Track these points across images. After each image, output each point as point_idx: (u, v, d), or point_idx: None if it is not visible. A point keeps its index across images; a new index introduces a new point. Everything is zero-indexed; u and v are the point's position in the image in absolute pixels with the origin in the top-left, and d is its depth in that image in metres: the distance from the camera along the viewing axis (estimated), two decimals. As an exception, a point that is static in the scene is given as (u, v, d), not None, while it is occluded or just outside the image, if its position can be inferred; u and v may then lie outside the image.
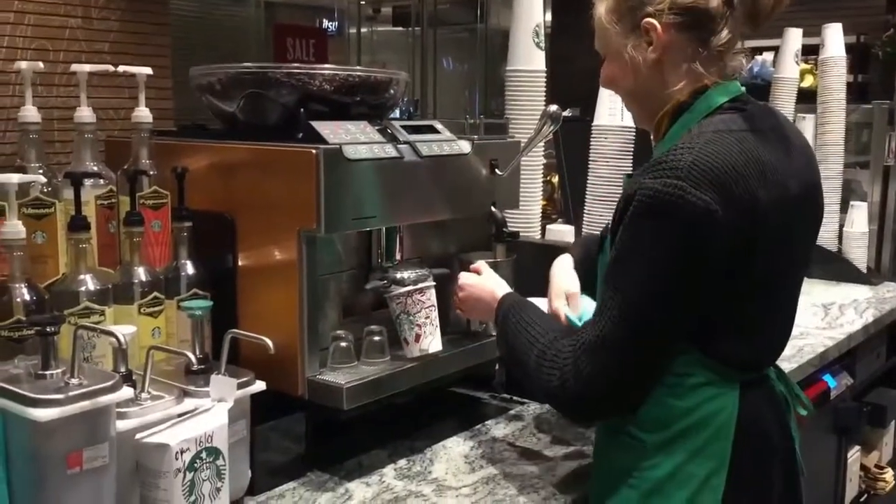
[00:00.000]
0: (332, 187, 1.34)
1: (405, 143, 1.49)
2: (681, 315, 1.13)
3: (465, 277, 1.49)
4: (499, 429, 1.64)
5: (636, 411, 1.19)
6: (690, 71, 1.20)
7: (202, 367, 1.28)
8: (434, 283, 1.51)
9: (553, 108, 1.58)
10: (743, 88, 1.23)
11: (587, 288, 1.56)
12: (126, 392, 1.08)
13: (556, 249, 1.91)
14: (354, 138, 1.41)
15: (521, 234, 1.70)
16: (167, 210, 1.44)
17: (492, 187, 1.66)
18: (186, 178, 1.42)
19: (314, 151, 1.33)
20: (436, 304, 1.51)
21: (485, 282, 1.46)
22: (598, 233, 1.90)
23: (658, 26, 1.19)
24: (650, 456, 1.18)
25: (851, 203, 3.07)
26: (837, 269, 3.00)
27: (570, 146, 2.26)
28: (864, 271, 3.03)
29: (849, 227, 3.06)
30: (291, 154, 1.36)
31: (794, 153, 1.21)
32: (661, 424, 1.17)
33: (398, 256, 1.55)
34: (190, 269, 1.42)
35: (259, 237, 1.42)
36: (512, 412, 1.73)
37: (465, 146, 1.60)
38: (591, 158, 1.91)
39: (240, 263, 1.45)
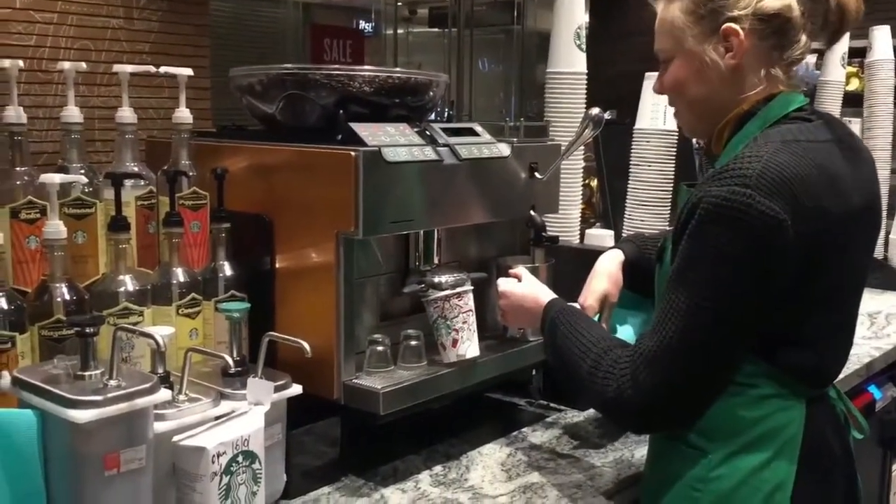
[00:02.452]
0: (371, 190, 1.33)
1: (444, 145, 1.47)
2: (745, 325, 1.11)
3: (505, 284, 1.46)
4: (536, 436, 1.62)
5: (697, 421, 1.16)
6: (764, 79, 1.18)
7: (239, 369, 1.28)
8: (472, 288, 1.49)
9: (595, 110, 1.55)
10: (807, 99, 1.20)
11: (636, 288, 1.53)
12: (164, 394, 1.08)
13: (595, 254, 1.89)
14: (394, 140, 1.40)
15: (559, 238, 1.68)
16: (206, 211, 1.43)
17: (531, 191, 1.64)
18: (226, 179, 1.42)
19: (353, 154, 1.32)
20: (473, 309, 1.49)
21: (527, 288, 1.44)
22: (651, 231, 1.88)
23: (741, 32, 1.16)
24: (714, 467, 1.15)
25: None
26: (883, 277, 2.93)
27: (609, 150, 2.23)
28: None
29: (895, 235, 2.99)
30: (330, 156, 1.35)
31: (860, 164, 1.18)
32: (727, 434, 1.14)
33: (436, 260, 1.53)
34: (228, 270, 1.41)
35: (297, 239, 1.41)
36: (549, 419, 1.71)
37: (504, 149, 1.58)
38: (632, 162, 1.88)
39: (277, 265, 1.44)
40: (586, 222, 2.43)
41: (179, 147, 1.46)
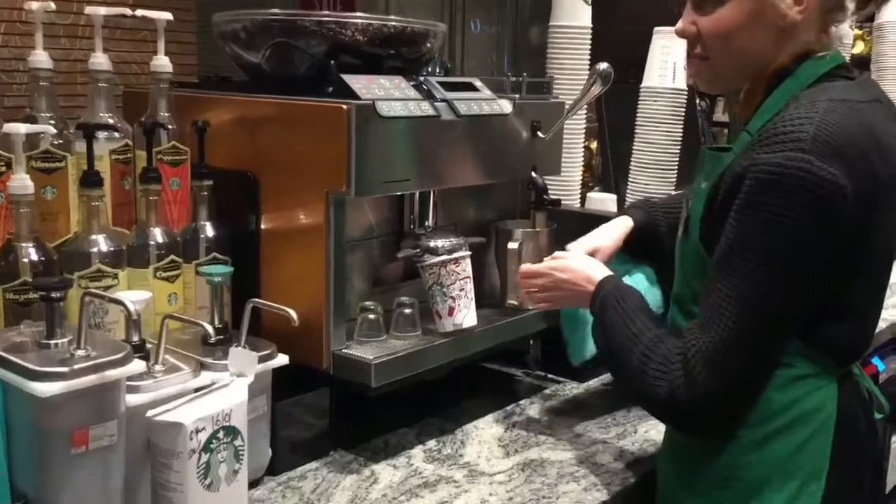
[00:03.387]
0: (364, 146, 1.24)
1: (442, 100, 1.38)
2: (804, 303, 1.02)
3: (550, 261, 1.37)
4: (533, 409, 1.55)
5: None
6: (812, 41, 1.08)
7: (220, 337, 1.19)
8: (470, 253, 1.41)
9: (603, 65, 1.46)
10: (844, 57, 1.11)
11: (641, 255, 1.45)
12: (137, 365, 0.99)
13: (597, 219, 1.80)
14: (388, 94, 1.30)
15: (561, 201, 1.59)
16: (186, 167, 1.34)
17: (533, 151, 1.55)
18: (207, 133, 1.32)
19: (345, 107, 1.22)
20: (471, 276, 1.40)
21: (577, 264, 1.34)
22: (659, 197, 1.79)
23: None
24: (744, 453, 1.07)
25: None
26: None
27: (611, 110, 2.14)
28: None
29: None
30: (321, 109, 1.25)
31: None
32: (758, 419, 1.06)
33: (431, 223, 1.44)
34: (210, 231, 1.32)
35: (284, 199, 1.32)
36: (547, 391, 1.64)
37: (506, 106, 1.48)
38: (638, 123, 1.79)
39: (263, 226, 1.35)
40: (585, 186, 2.34)
41: (158, 98, 1.36)
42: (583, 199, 1.89)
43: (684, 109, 1.78)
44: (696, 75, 1.19)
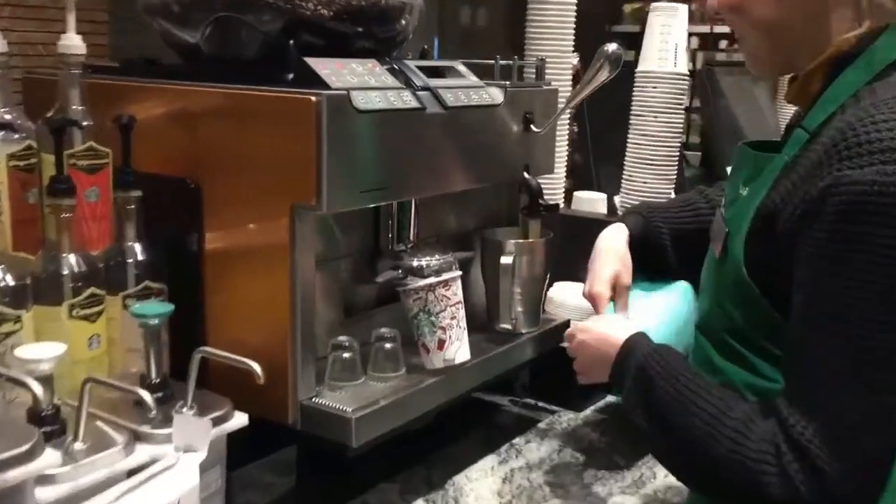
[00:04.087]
0: (338, 147, 0.98)
1: (424, 88, 1.13)
2: None
3: (579, 325, 1.15)
4: (531, 449, 1.32)
5: None
6: (864, 10, 0.87)
7: (160, 395, 0.93)
8: (460, 273, 1.17)
9: (612, 47, 1.23)
10: None
11: (643, 269, 1.24)
12: (49, 458, 0.73)
13: (585, 222, 1.59)
14: (363, 81, 1.05)
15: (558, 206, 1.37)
16: (107, 174, 1.06)
17: (525, 148, 1.32)
18: (134, 131, 1.05)
19: (314, 99, 0.97)
20: (462, 301, 1.17)
21: (594, 322, 1.13)
22: (658, 199, 1.57)
23: None
24: None
25: None
26: None
27: (592, 97, 1.91)
28: None
29: None
30: (281, 101, 1.00)
31: None
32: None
33: (412, 237, 1.20)
34: (139, 253, 1.05)
35: (234, 212, 1.06)
36: (542, 424, 1.41)
37: (496, 95, 1.24)
38: (633, 112, 1.58)
39: (207, 247, 1.09)
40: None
41: (68, 86, 1.07)
42: (569, 200, 1.67)
43: (686, 97, 1.57)
44: (744, 58, 0.98)
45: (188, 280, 1.09)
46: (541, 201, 1.31)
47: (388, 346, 1.13)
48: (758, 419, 0.85)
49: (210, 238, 1.08)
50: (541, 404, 1.48)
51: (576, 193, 1.63)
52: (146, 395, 0.83)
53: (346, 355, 1.10)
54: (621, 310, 1.20)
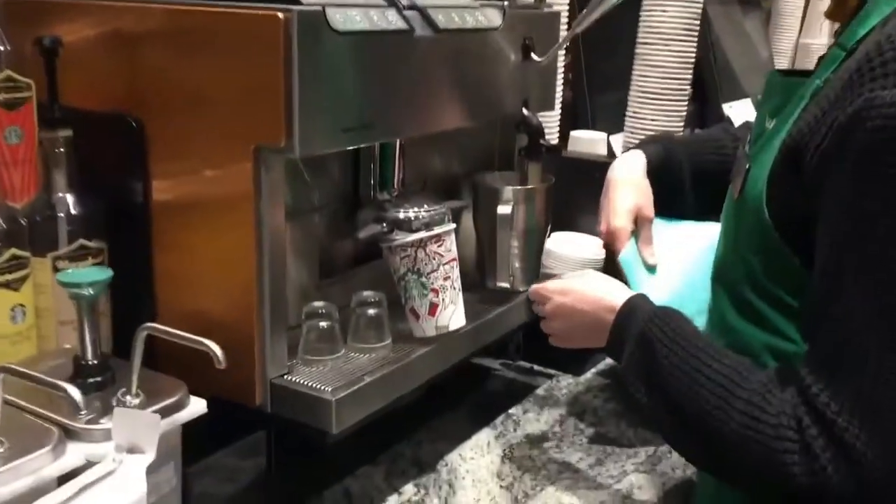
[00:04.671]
0: (312, 76, 0.81)
1: (411, 7, 0.95)
2: None
3: (551, 284, 0.98)
4: (530, 420, 1.18)
5: None
6: None
7: (98, 379, 0.77)
8: (454, 226, 1.01)
9: (627, -38, 1.06)
10: None
11: (662, 207, 1.09)
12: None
13: (586, 166, 1.43)
14: (339, -3, 0.87)
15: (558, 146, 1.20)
16: (30, 110, 0.88)
17: (524, 79, 1.14)
18: (61, 57, 0.86)
19: (282, 16, 0.79)
20: (457, 258, 1.01)
21: (583, 283, 0.94)
22: (677, 131, 1.39)
23: None
24: None
25: None
26: None
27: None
28: None
29: None
30: (242, 19, 0.81)
31: None
32: None
33: (397, 185, 1.03)
34: (72, 206, 0.88)
35: (187, 157, 0.88)
36: (540, 391, 1.27)
37: (494, 17, 1.07)
38: (640, 39, 1.40)
39: (155, 198, 0.91)
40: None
41: (-23, 1, 0.88)
42: (564, 139, 1.50)
43: (700, 22, 1.41)
44: None
45: (132, 238, 0.91)
46: (542, 141, 1.15)
47: (371, 312, 0.97)
48: (775, 389, 0.72)
49: (158, 187, 0.90)
50: (536, 368, 1.34)
51: (573, 133, 1.47)
52: (73, 392, 0.67)
53: (322, 324, 0.93)
54: (644, 245, 1.05)
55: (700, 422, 0.75)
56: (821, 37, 2.68)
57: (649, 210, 1.06)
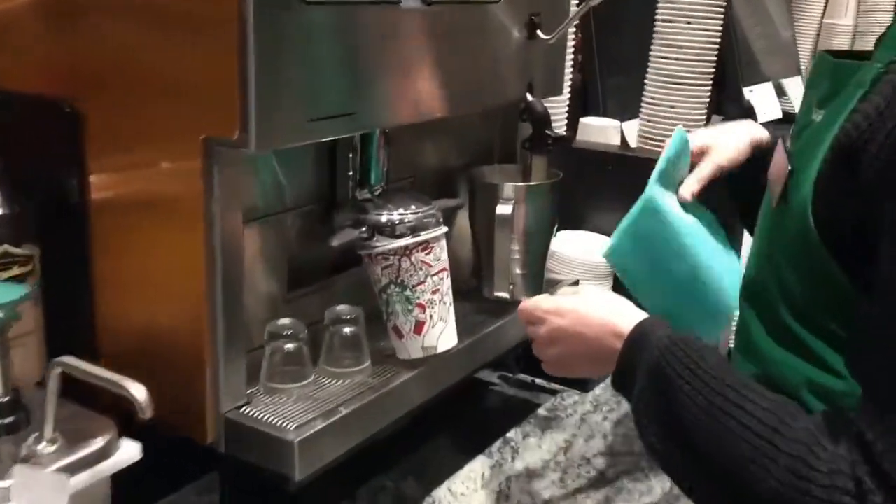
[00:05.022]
0: (273, 57, 0.67)
1: (397, -25, 0.81)
2: None
3: (545, 302, 0.81)
4: (531, 446, 1.05)
5: None
6: None
7: (9, 420, 0.64)
8: (446, 230, 0.87)
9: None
10: None
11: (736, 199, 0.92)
12: None
13: (597, 158, 1.29)
14: (309, -40, 0.73)
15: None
16: (-58, 92, 0.75)
17: (528, 61, 1.00)
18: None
19: (234, -19, 0.65)
20: (448, 267, 0.87)
21: (587, 304, 0.78)
22: (699, 118, 1.23)
23: None
24: None
25: None
26: None
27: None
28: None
29: None
30: (187, -14, 0.68)
31: None
32: None
33: (381, 181, 0.90)
34: (-5, 206, 0.75)
35: (130, 150, 0.75)
36: (542, 411, 1.14)
37: (494, -13, 0.93)
38: (660, 17, 1.25)
39: (94, 197, 0.78)
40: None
41: None
42: (574, 127, 1.36)
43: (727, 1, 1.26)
44: None
45: (68, 243, 0.78)
46: (548, 132, 1.01)
47: (347, 330, 0.83)
48: (825, 440, 0.59)
49: (97, 184, 0.77)
50: (538, 382, 1.21)
51: (583, 120, 1.33)
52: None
53: (288, 346, 0.80)
54: (693, 180, 0.87)
55: (730, 476, 0.62)
56: (846, 17, 2.53)
57: (713, 169, 0.87)
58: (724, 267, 0.85)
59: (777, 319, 0.68)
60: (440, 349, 0.86)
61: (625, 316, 0.75)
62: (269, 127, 0.68)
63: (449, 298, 0.87)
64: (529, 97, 1.01)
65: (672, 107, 1.23)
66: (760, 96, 2.02)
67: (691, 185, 0.87)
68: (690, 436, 0.64)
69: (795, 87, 2.24)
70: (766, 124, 0.98)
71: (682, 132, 0.84)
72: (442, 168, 1.05)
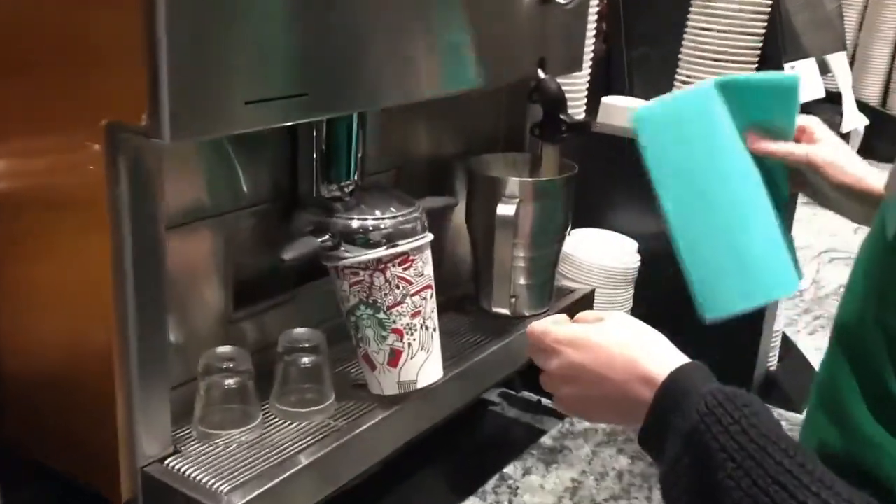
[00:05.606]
0: (192, 19, 0.51)
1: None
2: None
3: (559, 330, 0.63)
4: (532, 486, 0.89)
5: None
6: None
7: None
8: (431, 238, 0.71)
9: None
10: None
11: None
12: None
13: (620, 144, 1.11)
14: None
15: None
16: None
17: (542, 30, 0.83)
18: None
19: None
20: (433, 285, 0.71)
21: (612, 336, 0.61)
22: None
23: None
24: None
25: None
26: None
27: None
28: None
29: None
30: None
31: None
32: None
33: (355, 175, 0.73)
34: None
35: (21, 135, 0.59)
36: (547, 439, 0.98)
37: (499, -61, 0.75)
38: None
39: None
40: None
41: None
42: (595, 108, 1.19)
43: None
44: None
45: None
46: (562, 116, 0.84)
47: (306, 360, 0.68)
48: None
49: (-15, 177, 0.61)
50: (545, 402, 1.05)
51: (604, 100, 1.16)
52: None
53: (228, 382, 0.64)
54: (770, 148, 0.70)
55: None
56: (897, -12, 2.32)
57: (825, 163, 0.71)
58: (763, 218, 0.68)
59: (879, 384, 0.51)
60: (420, 384, 0.70)
61: (655, 357, 0.58)
62: (189, 112, 0.52)
63: (433, 322, 0.71)
64: (541, 73, 0.83)
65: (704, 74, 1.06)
66: (803, 73, 1.83)
67: (768, 146, 0.71)
68: None
69: (840, 64, 2.05)
70: (807, 104, 0.81)
71: (797, 76, 0.68)
72: (434, 157, 0.89)
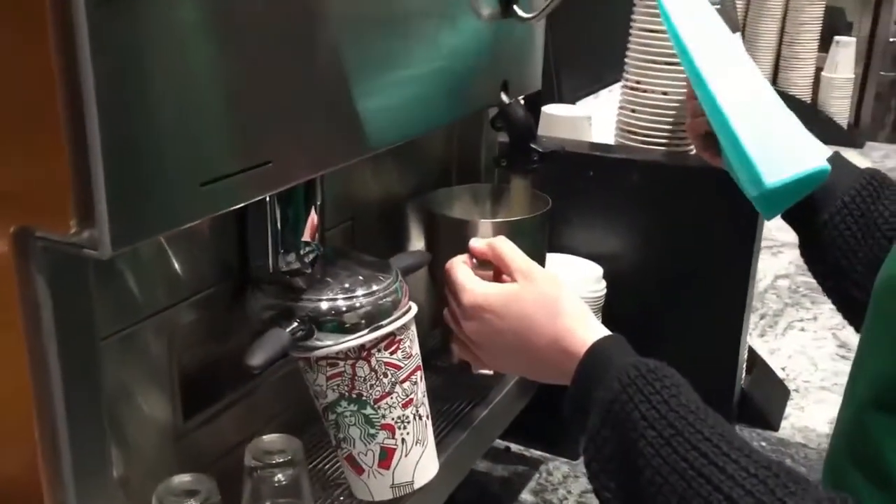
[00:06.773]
0: (120, 83, 0.38)
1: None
2: None
3: (468, 282, 0.59)
4: (524, 558, 0.80)
5: None
6: None
7: None
8: (416, 310, 0.60)
9: None
10: None
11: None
12: None
13: (575, 159, 1.03)
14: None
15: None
16: None
17: (503, 52, 0.73)
18: None
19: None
20: (420, 365, 0.60)
21: (530, 294, 0.58)
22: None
23: None
24: None
25: (835, 39, 2.33)
26: (814, 128, 2.30)
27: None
28: (846, 129, 2.38)
29: (830, 72, 2.34)
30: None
31: None
32: None
33: (315, 242, 0.61)
34: None
35: None
36: (527, 494, 0.89)
37: (456, -51, 0.64)
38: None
39: None
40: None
41: None
42: (536, 117, 1.09)
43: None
44: None
45: None
46: (534, 145, 0.74)
47: (280, 476, 0.55)
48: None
49: None
50: (514, 448, 0.96)
51: (545, 109, 1.06)
52: None
53: (191, 515, 0.52)
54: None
55: None
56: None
57: None
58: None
59: None
60: (418, 484, 0.59)
61: (577, 329, 0.55)
62: (134, 209, 0.39)
63: (426, 409, 0.60)
64: (505, 99, 0.73)
65: (665, 93, 0.97)
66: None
67: None
68: (651, 498, 0.49)
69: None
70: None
71: None
72: (387, 200, 0.77)
